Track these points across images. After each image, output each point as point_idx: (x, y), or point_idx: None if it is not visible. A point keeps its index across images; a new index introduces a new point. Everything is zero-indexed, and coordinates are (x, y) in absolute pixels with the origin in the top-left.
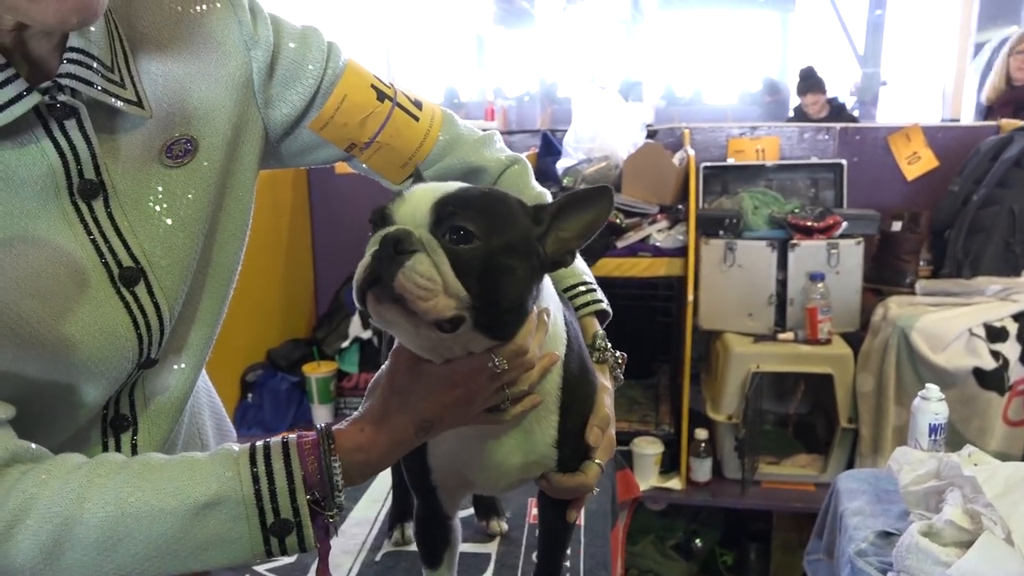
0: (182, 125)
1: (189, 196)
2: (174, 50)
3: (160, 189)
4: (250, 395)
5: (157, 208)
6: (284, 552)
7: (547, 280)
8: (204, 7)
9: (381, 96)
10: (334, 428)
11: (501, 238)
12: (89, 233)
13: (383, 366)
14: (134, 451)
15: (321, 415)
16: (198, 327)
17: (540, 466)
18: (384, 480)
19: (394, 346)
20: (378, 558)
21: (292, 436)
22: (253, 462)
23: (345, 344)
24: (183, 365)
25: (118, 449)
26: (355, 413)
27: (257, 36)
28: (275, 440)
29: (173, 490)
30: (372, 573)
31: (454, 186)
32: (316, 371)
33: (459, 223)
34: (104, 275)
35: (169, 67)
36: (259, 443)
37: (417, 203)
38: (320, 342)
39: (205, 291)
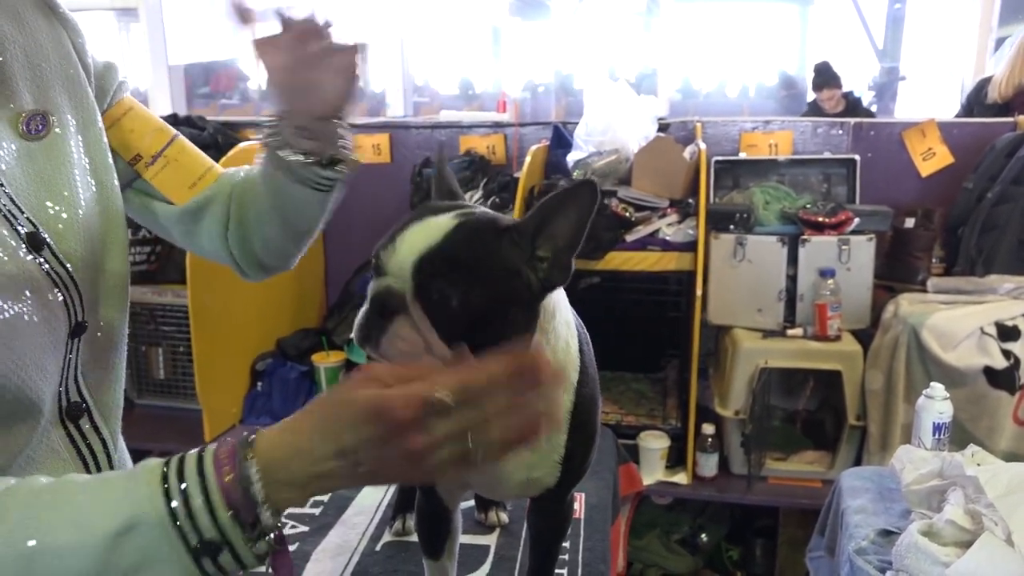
0: (31, 101)
1: (56, 167)
2: (5, 27)
3: (27, 162)
4: (259, 384)
5: (31, 179)
6: (224, 572)
7: (559, 297)
8: None
9: (166, 124)
10: (257, 431)
11: (484, 291)
12: None
13: (339, 383)
14: (97, 434)
15: None
16: (109, 301)
17: (542, 482)
18: None
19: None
20: (378, 548)
21: (211, 445)
22: (165, 478)
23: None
24: (109, 334)
25: (82, 436)
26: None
27: (75, 25)
28: (192, 451)
29: (85, 521)
30: (372, 562)
31: (442, 230)
32: (325, 361)
33: (439, 285)
34: (18, 238)
35: (4, 46)
36: (175, 456)
37: (404, 256)
38: (330, 332)
39: (106, 266)
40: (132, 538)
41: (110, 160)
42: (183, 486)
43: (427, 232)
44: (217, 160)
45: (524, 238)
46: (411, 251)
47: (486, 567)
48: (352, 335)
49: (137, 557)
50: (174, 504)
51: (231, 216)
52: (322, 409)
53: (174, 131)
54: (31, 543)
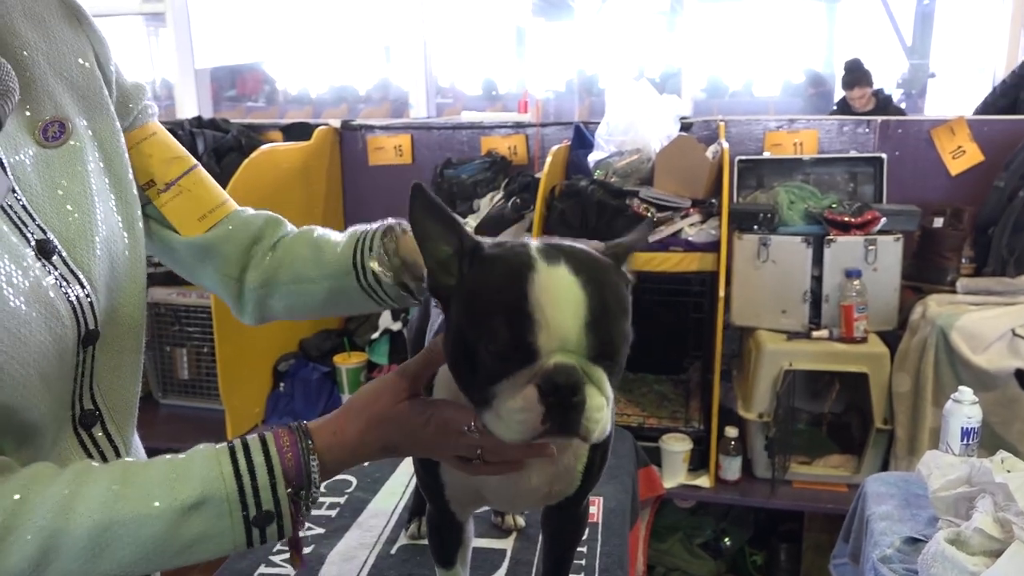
0: (50, 108)
1: (72, 175)
2: (29, 33)
3: (44, 168)
4: (282, 385)
5: (47, 185)
6: (264, 541)
7: None
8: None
9: (187, 154)
10: (310, 427)
11: (630, 329)
12: (2, 207)
13: (380, 379)
14: (110, 442)
15: None
16: (125, 310)
17: (563, 492)
18: (402, 473)
19: (393, 373)
20: (393, 551)
21: (268, 432)
22: (234, 459)
23: (375, 335)
24: (125, 342)
25: (93, 443)
26: (336, 413)
27: (100, 36)
28: (252, 437)
29: (158, 494)
30: (387, 565)
31: (575, 283)
32: (347, 362)
33: (616, 345)
34: (27, 246)
35: (27, 52)
36: (237, 440)
37: (561, 325)
38: (351, 333)
39: (123, 275)
40: (200, 512)
41: (130, 173)
42: (252, 466)
43: (563, 291)
44: (240, 162)
45: (620, 265)
46: (568, 317)
47: (502, 571)
48: (519, 436)
49: (201, 530)
50: (244, 481)
51: (253, 270)
52: (371, 416)
53: (194, 161)
54: (107, 512)
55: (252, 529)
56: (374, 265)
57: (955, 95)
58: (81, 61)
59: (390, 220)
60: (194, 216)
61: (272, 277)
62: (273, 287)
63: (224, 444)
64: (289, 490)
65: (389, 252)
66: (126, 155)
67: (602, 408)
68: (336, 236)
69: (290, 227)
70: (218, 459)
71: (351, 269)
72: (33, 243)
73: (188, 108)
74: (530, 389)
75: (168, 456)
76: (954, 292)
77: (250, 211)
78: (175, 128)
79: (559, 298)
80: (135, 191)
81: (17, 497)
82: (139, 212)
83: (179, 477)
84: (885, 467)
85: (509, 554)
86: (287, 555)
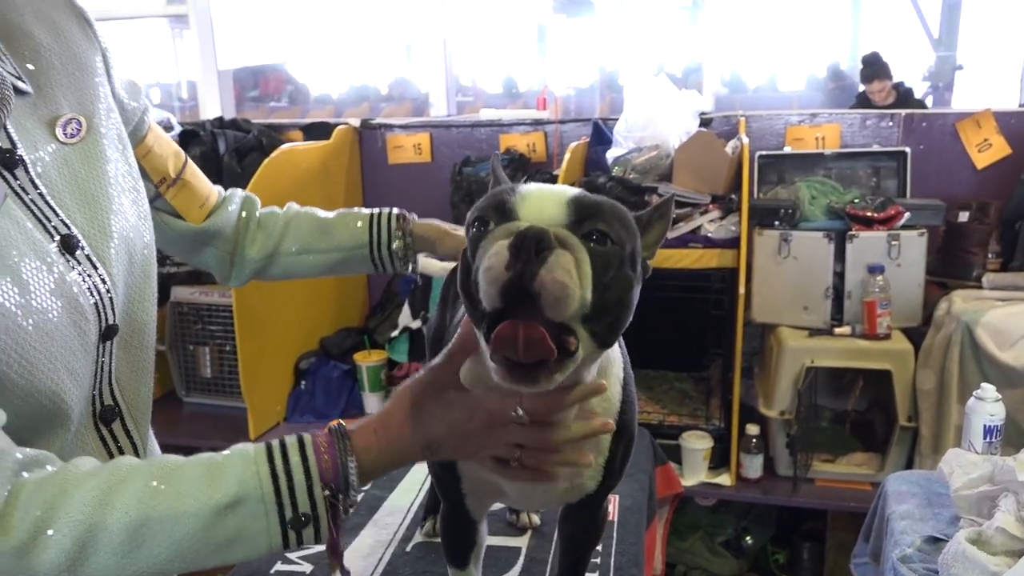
0: (66, 106)
1: (91, 170)
2: (42, 35)
3: (63, 165)
4: (303, 382)
5: (68, 181)
6: (300, 543)
7: None
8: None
9: (178, 147)
10: (349, 429)
11: (630, 245)
12: (24, 203)
13: (420, 372)
14: (128, 438)
15: (372, 403)
16: (140, 304)
17: (583, 488)
18: (418, 471)
19: (434, 362)
20: (409, 548)
21: (306, 434)
22: (271, 460)
23: (395, 334)
24: (140, 337)
25: (114, 439)
26: (377, 412)
27: (105, 44)
28: (290, 438)
29: (195, 492)
30: (402, 563)
31: (570, 190)
32: (367, 360)
33: (599, 225)
34: (51, 242)
35: (41, 52)
36: (275, 441)
37: (544, 200)
38: (371, 331)
39: (138, 269)
40: (236, 512)
41: (138, 171)
42: (288, 467)
43: (559, 187)
44: (260, 161)
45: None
46: (553, 195)
47: (516, 570)
48: (490, 289)
49: (236, 530)
50: (280, 483)
51: (251, 245)
52: (414, 408)
53: (184, 153)
54: (143, 508)
55: (288, 531)
56: (397, 243)
57: (983, 87)
58: (91, 62)
59: (394, 208)
60: (196, 204)
61: (276, 249)
62: (276, 257)
63: (262, 444)
64: (327, 492)
65: (405, 231)
66: (131, 150)
67: (569, 270)
68: (326, 212)
69: (259, 201)
70: (255, 460)
71: (366, 243)
72: (57, 238)
73: (211, 109)
74: (501, 243)
75: (206, 455)
76: (980, 288)
77: (222, 190)
78: (197, 129)
79: (545, 186)
80: (144, 188)
81: (56, 491)
82: (148, 208)
83: (216, 476)
84: (909, 465)
85: (524, 552)
86: (303, 553)
